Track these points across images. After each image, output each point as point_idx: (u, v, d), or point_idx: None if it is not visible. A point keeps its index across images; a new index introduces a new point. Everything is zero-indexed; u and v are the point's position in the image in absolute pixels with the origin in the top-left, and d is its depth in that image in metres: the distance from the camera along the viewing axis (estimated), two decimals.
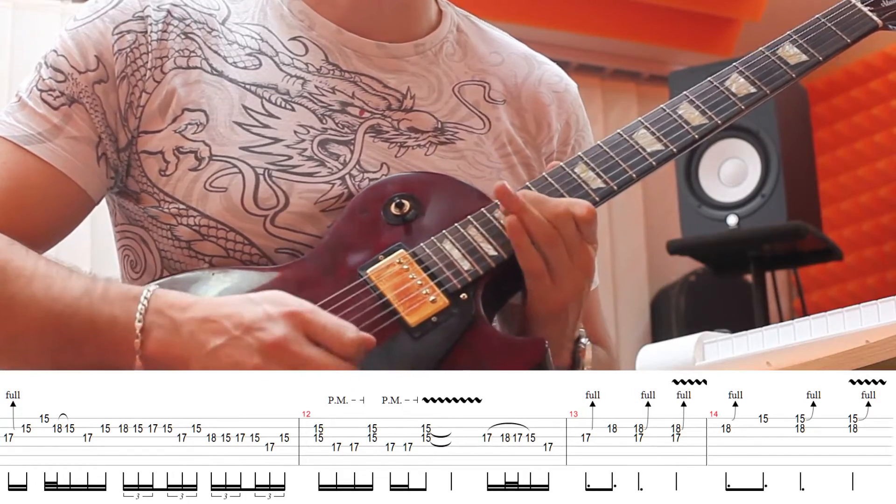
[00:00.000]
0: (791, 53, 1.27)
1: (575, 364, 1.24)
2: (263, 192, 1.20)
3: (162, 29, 1.25)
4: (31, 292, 1.10)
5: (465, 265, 1.15)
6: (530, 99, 1.38)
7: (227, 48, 1.27)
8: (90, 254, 2.86)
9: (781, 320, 3.01)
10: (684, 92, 1.25)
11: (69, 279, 1.12)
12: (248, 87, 1.25)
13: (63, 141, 1.21)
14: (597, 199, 1.19)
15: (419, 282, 1.14)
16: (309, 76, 1.27)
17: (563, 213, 1.15)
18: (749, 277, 3.41)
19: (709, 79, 1.25)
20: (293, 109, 1.25)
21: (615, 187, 1.20)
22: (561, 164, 1.22)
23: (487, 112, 1.34)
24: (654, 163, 1.21)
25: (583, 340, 1.25)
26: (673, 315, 3.85)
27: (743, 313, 3.35)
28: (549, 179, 1.20)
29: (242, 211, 1.19)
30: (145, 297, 1.08)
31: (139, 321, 1.07)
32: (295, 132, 1.23)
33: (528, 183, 1.21)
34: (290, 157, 1.22)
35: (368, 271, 1.14)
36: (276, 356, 1.03)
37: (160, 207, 1.22)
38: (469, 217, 1.18)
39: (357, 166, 1.24)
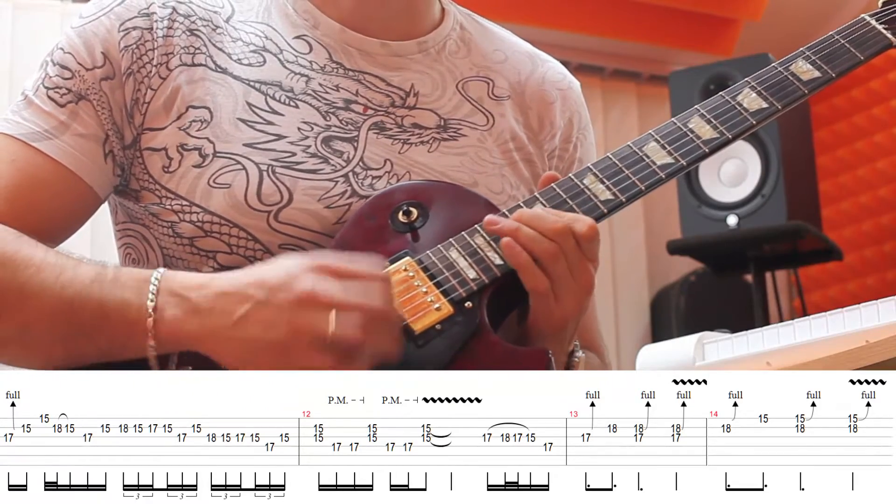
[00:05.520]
0: (804, 70, 1.26)
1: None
2: (267, 188, 1.20)
3: (167, 26, 1.25)
4: (41, 280, 1.10)
5: (471, 274, 1.15)
6: (534, 96, 1.38)
7: (232, 45, 1.27)
8: (90, 252, 2.85)
9: (781, 320, 3.01)
10: (696, 106, 1.25)
11: (79, 267, 1.11)
12: (252, 83, 1.25)
13: (70, 138, 1.21)
14: (605, 210, 1.19)
15: (424, 289, 1.14)
16: (313, 74, 1.27)
17: (563, 230, 1.14)
18: (749, 277, 3.40)
19: (721, 93, 1.25)
20: (297, 106, 1.25)
21: (624, 199, 1.19)
22: (570, 175, 1.22)
23: (491, 108, 1.34)
24: (663, 176, 1.21)
25: (577, 354, 1.25)
26: (673, 315, 3.84)
27: (743, 313, 3.35)
28: (558, 190, 1.20)
29: (246, 207, 1.19)
30: (156, 278, 1.08)
31: (151, 300, 1.07)
32: (299, 129, 1.24)
33: (536, 194, 1.21)
34: (294, 154, 1.22)
35: None
36: (309, 308, 1.02)
37: (161, 204, 1.22)
38: (476, 226, 1.18)
39: (360, 163, 1.24)
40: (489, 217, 1.17)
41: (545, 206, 1.19)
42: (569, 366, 1.24)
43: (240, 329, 1.04)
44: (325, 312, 1.02)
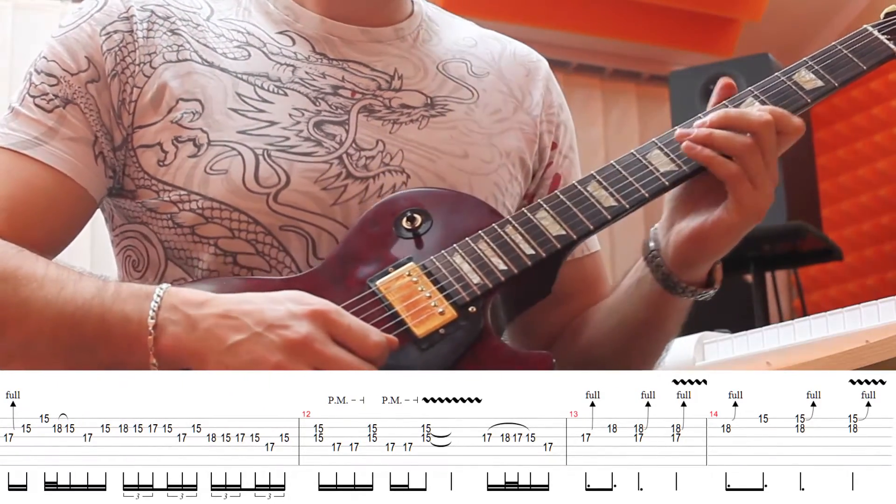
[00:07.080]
0: (807, 79, 1.27)
1: (709, 284, 1.32)
2: (264, 171, 1.21)
3: (147, 27, 1.27)
4: (43, 296, 1.10)
5: (475, 279, 1.15)
6: (510, 70, 1.42)
7: (216, 40, 1.29)
8: (90, 256, 2.86)
9: (781, 320, 3.01)
10: (699, 113, 1.26)
11: (80, 281, 1.12)
12: (239, 76, 1.27)
13: (60, 142, 1.22)
14: (609, 217, 1.20)
15: (428, 294, 1.14)
16: (298, 63, 1.30)
17: (767, 123, 1.19)
18: (749, 277, 3.40)
19: (724, 102, 1.26)
20: (286, 94, 1.27)
21: (627, 206, 1.20)
22: (573, 182, 1.23)
23: (474, 84, 1.38)
24: (667, 183, 1.22)
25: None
26: None
27: (743, 313, 3.35)
28: (561, 197, 1.21)
29: (244, 190, 1.21)
30: (158, 295, 1.08)
31: (152, 318, 1.07)
32: (290, 115, 1.25)
33: (539, 201, 1.21)
34: (288, 139, 1.24)
35: (378, 283, 1.15)
36: (300, 354, 1.03)
37: (159, 198, 1.22)
38: (480, 232, 1.19)
39: (353, 145, 1.26)
40: (680, 130, 1.21)
41: (549, 212, 1.20)
42: (712, 270, 1.31)
43: (229, 356, 1.04)
44: (309, 364, 1.03)
